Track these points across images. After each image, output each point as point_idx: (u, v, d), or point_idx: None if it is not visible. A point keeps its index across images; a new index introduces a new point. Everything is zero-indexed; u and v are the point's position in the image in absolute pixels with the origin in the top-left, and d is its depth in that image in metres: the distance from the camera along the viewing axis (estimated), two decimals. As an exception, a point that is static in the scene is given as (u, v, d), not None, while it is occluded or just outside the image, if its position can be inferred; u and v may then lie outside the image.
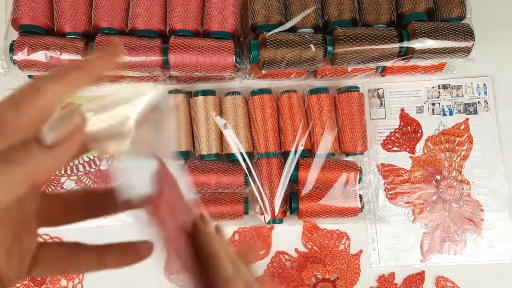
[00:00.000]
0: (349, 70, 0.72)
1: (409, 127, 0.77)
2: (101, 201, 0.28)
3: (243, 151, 0.69)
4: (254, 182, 0.69)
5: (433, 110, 0.77)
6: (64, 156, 0.21)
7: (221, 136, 0.71)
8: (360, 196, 0.69)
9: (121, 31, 0.68)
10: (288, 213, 0.70)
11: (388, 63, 0.69)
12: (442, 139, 0.76)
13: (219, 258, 0.28)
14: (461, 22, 0.68)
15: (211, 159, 0.71)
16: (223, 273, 0.28)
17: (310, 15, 0.67)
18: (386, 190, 0.75)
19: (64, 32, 0.67)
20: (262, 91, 0.71)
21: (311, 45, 0.65)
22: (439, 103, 0.77)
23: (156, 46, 0.65)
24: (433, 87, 0.77)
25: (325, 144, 0.70)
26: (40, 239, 0.27)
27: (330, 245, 0.73)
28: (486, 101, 0.77)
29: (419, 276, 0.72)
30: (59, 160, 0.21)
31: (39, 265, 0.26)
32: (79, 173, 0.75)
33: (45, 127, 0.21)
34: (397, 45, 0.66)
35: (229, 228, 0.74)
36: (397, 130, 0.77)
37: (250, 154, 0.70)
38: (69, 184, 0.74)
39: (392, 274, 0.73)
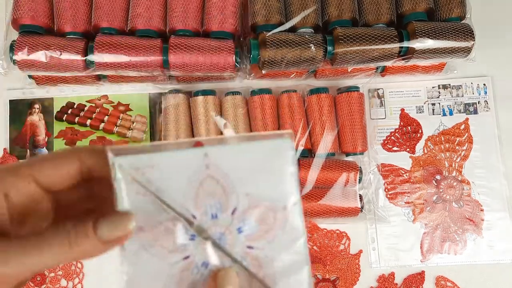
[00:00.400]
0: (349, 70, 0.72)
1: (409, 127, 0.77)
2: None
3: (243, 151, 0.69)
4: (254, 182, 0.69)
5: (433, 110, 0.77)
6: (108, 250, 0.25)
7: (221, 136, 0.71)
8: (360, 196, 0.69)
9: (121, 31, 0.68)
10: (288, 213, 0.70)
11: (388, 63, 0.69)
12: (442, 139, 0.76)
13: None
14: (461, 22, 0.68)
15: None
16: None
17: (310, 15, 0.67)
18: (386, 190, 0.75)
19: (64, 32, 0.67)
20: (262, 91, 0.71)
21: (311, 45, 0.65)
22: (439, 103, 0.77)
23: (156, 46, 0.65)
24: (433, 87, 0.77)
25: (325, 144, 0.70)
26: None
27: (330, 245, 0.73)
28: (486, 101, 0.77)
29: (419, 276, 0.72)
30: (103, 253, 0.25)
31: None
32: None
33: (103, 225, 0.25)
34: (397, 45, 0.66)
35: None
36: (397, 130, 0.77)
37: (250, 154, 0.70)
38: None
39: (392, 274, 0.73)
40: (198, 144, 0.27)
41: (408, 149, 0.76)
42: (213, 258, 0.27)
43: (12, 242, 0.22)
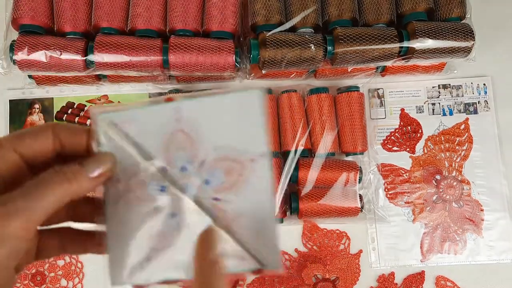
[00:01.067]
0: (349, 70, 0.72)
1: (409, 127, 0.77)
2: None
3: (243, 151, 0.69)
4: (254, 182, 0.69)
5: (433, 110, 0.77)
6: (98, 185, 0.28)
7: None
8: (360, 196, 0.70)
9: (121, 31, 0.68)
10: (288, 213, 0.70)
11: (388, 63, 0.69)
12: (442, 139, 0.76)
13: None
14: (461, 22, 0.68)
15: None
16: None
17: (310, 15, 0.67)
18: (386, 190, 0.75)
19: (64, 32, 0.67)
20: (262, 91, 0.71)
21: (311, 45, 0.65)
22: (439, 103, 0.77)
23: (156, 46, 0.66)
24: (433, 87, 0.77)
25: (325, 144, 0.70)
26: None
27: (330, 245, 0.73)
28: (486, 101, 0.77)
29: (419, 276, 0.72)
30: (94, 188, 0.28)
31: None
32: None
33: (89, 161, 0.27)
34: (397, 45, 0.66)
35: (229, 228, 0.74)
36: (397, 130, 0.77)
37: (250, 154, 0.70)
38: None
39: (392, 274, 0.73)
40: (170, 100, 0.29)
41: (408, 149, 0.76)
42: (181, 209, 0.29)
43: (14, 192, 0.24)
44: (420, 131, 0.76)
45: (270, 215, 0.28)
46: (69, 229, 0.30)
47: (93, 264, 0.73)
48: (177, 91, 0.71)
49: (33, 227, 0.25)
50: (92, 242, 0.30)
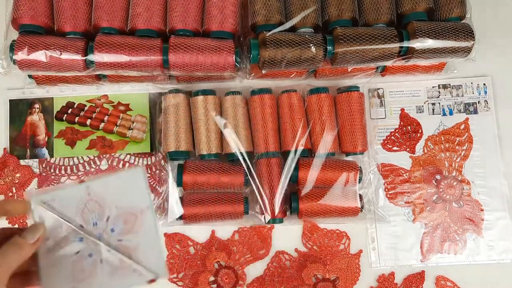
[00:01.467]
0: (349, 70, 0.72)
1: (409, 127, 0.77)
2: None
3: (243, 151, 0.69)
4: (254, 182, 0.69)
5: (433, 110, 0.77)
6: (35, 248, 0.41)
7: (221, 136, 0.71)
8: (360, 196, 0.70)
9: (121, 30, 0.68)
10: (288, 213, 0.70)
11: (388, 63, 0.69)
12: (442, 139, 0.76)
13: None
14: (461, 22, 0.68)
15: (211, 159, 0.71)
16: None
17: (310, 15, 0.67)
18: (386, 190, 0.75)
19: (64, 31, 0.67)
20: (262, 91, 0.71)
21: (311, 45, 0.65)
22: (439, 103, 0.77)
23: (156, 46, 0.66)
24: (433, 87, 0.77)
25: (325, 144, 0.70)
26: None
27: (330, 245, 0.73)
28: (486, 101, 0.77)
29: (419, 276, 0.72)
30: (33, 251, 0.41)
31: None
32: (79, 173, 0.75)
33: (28, 232, 0.41)
34: (397, 45, 0.66)
35: (229, 228, 0.74)
36: (397, 130, 0.77)
37: (250, 154, 0.70)
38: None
39: (392, 274, 0.73)
40: (82, 182, 0.45)
41: (408, 149, 0.76)
42: (97, 250, 0.44)
43: None
44: (420, 131, 0.76)
45: (157, 243, 0.45)
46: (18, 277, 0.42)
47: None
48: (177, 91, 0.71)
49: (3, 280, 0.36)
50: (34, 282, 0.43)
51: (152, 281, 0.44)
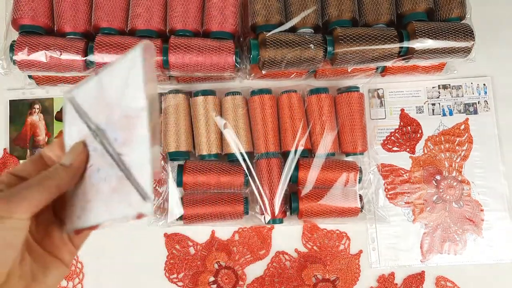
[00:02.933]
0: (349, 70, 0.72)
1: (409, 127, 0.77)
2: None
3: (243, 151, 0.69)
4: (254, 182, 0.69)
5: (433, 110, 0.77)
6: (77, 171, 0.36)
7: (221, 136, 0.71)
8: (360, 196, 0.70)
9: (121, 31, 0.68)
10: (288, 213, 0.70)
11: (388, 63, 0.69)
12: (442, 139, 0.76)
13: None
14: (461, 22, 0.68)
15: (211, 159, 0.71)
16: None
17: (310, 15, 0.67)
18: (386, 190, 0.75)
19: (64, 32, 0.67)
20: (262, 91, 0.71)
21: (311, 45, 0.65)
22: (439, 103, 0.77)
23: (156, 46, 0.66)
24: (433, 87, 0.77)
25: (325, 144, 0.70)
26: None
27: (330, 245, 0.73)
28: (486, 101, 0.77)
29: (419, 276, 0.72)
30: (74, 174, 0.35)
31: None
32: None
33: (64, 156, 0.36)
34: (397, 45, 0.66)
35: (229, 228, 0.74)
36: (397, 130, 0.77)
37: (250, 154, 0.70)
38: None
39: (392, 274, 0.73)
40: (97, 73, 0.35)
41: (408, 149, 0.76)
42: (102, 163, 0.35)
43: (18, 187, 0.32)
44: (420, 131, 0.76)
45: (146, 167, 0.32)
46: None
47: (93, 264, 0.73)
48: (177, 91, 0.71)
49: (32, 212, 0.31)
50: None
51: (139, 216, 0.32)
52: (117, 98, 0.33)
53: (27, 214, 0.31)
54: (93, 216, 0.35)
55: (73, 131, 0.37)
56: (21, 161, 0.75)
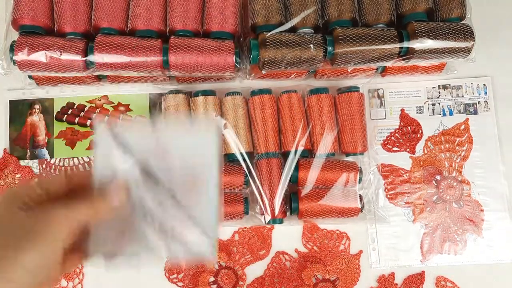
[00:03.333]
0: (349, 70, 0.72)
1: (409, 127, 0.77)
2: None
3: (243, 151, 0.69)
4: (254, 182, 0.69)
5: (433, 110, 0.77)
6: (115, 206, 0.37)
7: (221, 136, 0.71)
8: (360, 196, 0.70)
9: (121, 31, 0.68)
10: (288, 213, 0.70)
11: (388, 63, 0.69)
12: (442, 139, 0.76)
13: None
14: (461, 22, 0.68)
15: (211, 159, 0.71)
16: None
17: (310, 15, 0.67)
18: (386, 190, 0.75)
19: (64, 32, 0.67)
20: (262, 91, 0.71)
21: (311, 45, 0.65)
22: (439, 103, 0.77)
23: (156, 47, 0.66)
24: (433, 87, 0.77)
25: (325, 144, 0.70)
26: None
27: (330, 245, 0.73)
28: (486, 101, 0.77)
29: (419, 276, 0.72)
30: (112, 209, 0.37)
31: None
32: (79, 173, 0.75)
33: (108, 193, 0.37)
34: (397, 45, 0.66)
35: (229, 228, 0.74)
36: (397, 130, 0.77)
37: (250, 154, 0.70)
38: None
39: (392, 274, 0.73)
40: (154, 130, 0.39)
41: (408, 149, 0.76)
42: (150, 208, 0.38)
43: (58, 204, 0.34)
44: (420, 132, 0.76)
45: (214, 221, 0.38)
46: None
47: (93, 265, 0.73)
48: (177, 91, 0.71)
49: (72, 229, 0.33)
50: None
51: (198, 259, 0.38)
52: (181, 160, 0.38)
53: (67, 230, 0.33)
54: (129, 249, 0.38)
55: (109, 162, 0.38)
56: (21, 161, 0.75)
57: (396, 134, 0.77)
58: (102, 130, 0.38)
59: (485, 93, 0.77)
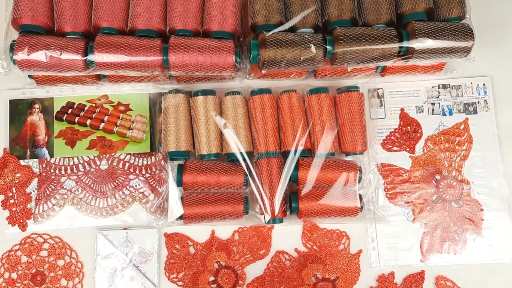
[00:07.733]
0: (349, 70, 0.72)
1: (409, 127, 0.77)
2: None
3: (243, 151, 0.69)
4: (254, 182, 0.69)
5: (432, 110, 0.77)
6: None
7: (221, 136, 0.71)
8: (360, 196, 0.70)
9: (121, 31, 0.68)
10: (288, 212, 0.70)
11: (388, 63, 0.69)
12: (442, 139, 0.76)
13: None
14: (461, 22, 0.69)
15: (211, 159, 0.71)
16: None
17: (310, 15, 0.67)
18: (386, 189, 0.75)
19: (64, 32, 0.67)
20: (262, 91, 0.71)
21: (311, 45, 0.65)
22: (439, 103, 0.77)
23: (156, 46, 0.66)
24: (432, 87, 0.78)
25: (325, 144, 0.70)
26: None
27: (330, 245, 0.73)
28: (485, 101, 0.77)
29: (419, 276, 0.72)
30: None
31: None
32: (79, 173, 0.75)
33: None
34: (397, 45, 0.66)
35: (229, 228, 0.74)
36: (397, 130, 0.77)
37: (250, 154, 0.70)
38: (69, 184, 0.74)
39: (392, 274, 0.73)
40: None
41: (408, 149, 0.76)
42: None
43: None
44: (419, 131, 0.77)
45: None
46: None
47: (93, 264, 0.73)
48: (177, 91, 0.71)
49: None
50: None
51: None
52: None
53: None
54: None
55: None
56: (21, 161, 0.75)
57: (396, 134, 0.77)
58: (100, 235, 0.60)
59: (485, 92, 0.77)
